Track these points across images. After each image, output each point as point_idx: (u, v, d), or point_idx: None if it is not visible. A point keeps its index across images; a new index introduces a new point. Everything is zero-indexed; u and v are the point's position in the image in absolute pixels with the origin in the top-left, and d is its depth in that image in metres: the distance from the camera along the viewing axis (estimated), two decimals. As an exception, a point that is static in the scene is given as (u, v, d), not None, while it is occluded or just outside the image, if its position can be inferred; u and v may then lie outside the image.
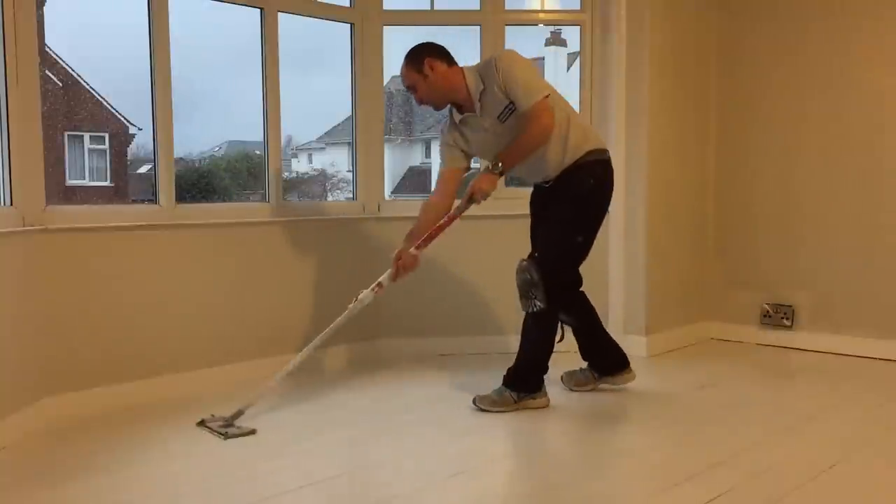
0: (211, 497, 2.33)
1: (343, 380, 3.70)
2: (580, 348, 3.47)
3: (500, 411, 3.10)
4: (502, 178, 3.09)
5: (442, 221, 3.06)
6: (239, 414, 2.96)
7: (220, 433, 2.83)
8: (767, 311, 4.39)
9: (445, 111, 3.20)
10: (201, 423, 2.94)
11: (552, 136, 3.01)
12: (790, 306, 4.33)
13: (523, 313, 3.10)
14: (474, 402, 3.15)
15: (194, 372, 3.47)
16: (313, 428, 2.97)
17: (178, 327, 3.43)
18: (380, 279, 3.06)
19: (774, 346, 4.35)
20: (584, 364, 3.49)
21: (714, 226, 4.59)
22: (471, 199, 3.02)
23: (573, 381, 3.47)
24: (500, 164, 2.99)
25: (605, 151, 3.16)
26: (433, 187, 3.37)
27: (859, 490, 2.36)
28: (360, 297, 3.03)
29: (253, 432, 2.85)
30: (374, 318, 4.11)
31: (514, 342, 3.24)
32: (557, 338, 3.23)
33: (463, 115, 3.11)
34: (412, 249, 3.03)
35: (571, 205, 3.10)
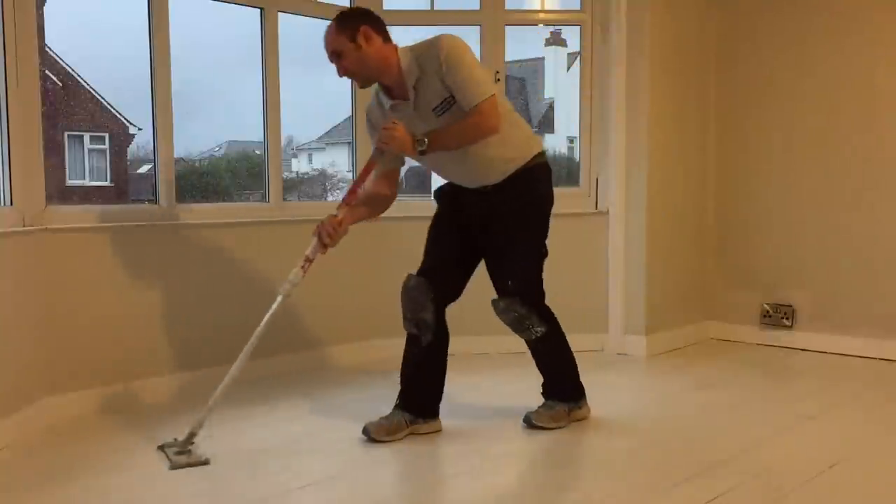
0: (211, 497, 2.33)
1: (342, 380, 3.70)
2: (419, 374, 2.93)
3: (558, 427, 2.92)
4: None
5: (358, 175, 2.82)
6: (192, 436, 2.66)
7: (171, 461, 2.56)
8: (767, 311, 4.39)
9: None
10: (160, 448, 2.68)
11: (497, 138, 2.71)
12: (790, 306, 4.32)
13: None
14: (529, 422, 2.92)
15: (194, 372, 3.47)
16: (313, 428, 2.97)
17: (178, 327, 3.43)
18: (306, 252, 2.76)
19: (774, 346, 4.35)
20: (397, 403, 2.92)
21: (714, 226, 4.59)
22: (379, 149, 2.71)
23: (382, 430, 2.82)
24: (425, 142, 2.63)
25: (545, 154, 2.89)
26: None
27: (859, 490, 2.36)
28: (289, 278, 2.73)
29: (206, 462, 2.55)
30: (373, 318, 4.11)
31: (514, 341, 3.22)
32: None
33: (393, 100, 2.74)
34: (334, 211, 2.76)
35: (529, 213, 2.83)
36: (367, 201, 2.87)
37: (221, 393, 2.71)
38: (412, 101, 2.69)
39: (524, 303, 2.78)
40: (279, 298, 2.74)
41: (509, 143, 2.76)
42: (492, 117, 2.64)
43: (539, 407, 2.98)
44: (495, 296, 2.86)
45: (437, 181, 3.08)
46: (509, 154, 2.76)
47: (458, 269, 2.91)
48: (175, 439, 2.71)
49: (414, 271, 2.87)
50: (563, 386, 3.01)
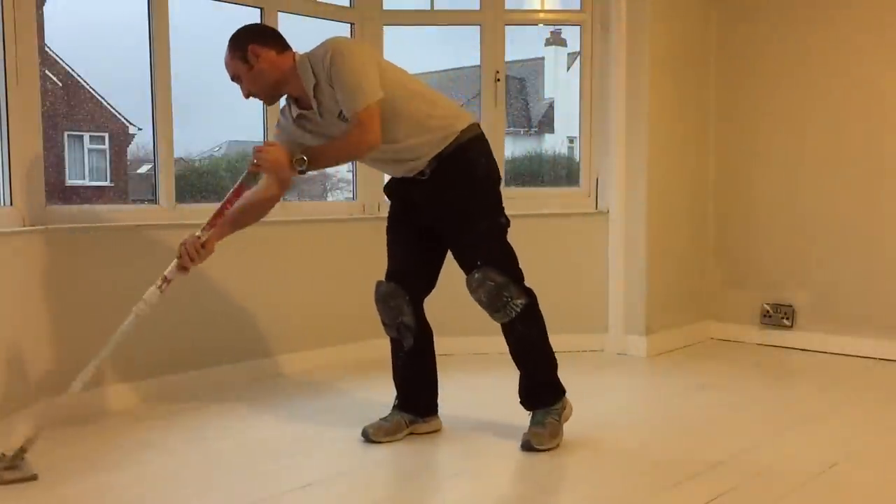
0: (211, 497, 2.33)
1: (342, 380, 3.70)
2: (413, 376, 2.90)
3: (559, 443, 2.72)
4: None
5: (227, 197, 2.66)
6: (22, 452, 2.47)
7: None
8: (767, 311, 4.39)
9: None
10: None
11: (414, 123, 2.61)
12: (790, 306, 4.32)
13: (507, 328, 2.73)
14: (530, 447, 2.68)
15: (193, 372, 3.47)
16: (313, 428, 2.97)
17: (176, 327, 3.43)
18: (164, 273, 2.65)
19: (774, 346, 4.35)
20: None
21: (714, 226, 4.59)
22: (252, 172, 2.60)
23: (381, 431, 2.82)
24: (304, 161, 2.51)
25: (478, 125, 2.75)
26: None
27: (859, 490, 2.36)
28: (144, 297, 2.61)
29: (34, 478, 2.42)
30: (372, 318, 4.10)
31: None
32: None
33: (301, 110, 2.68)
34: (197, 233, 2.64)
35: (475, 192, 2.69)
36: (249, 209, 2.74)
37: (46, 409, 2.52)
38: (316, 109, 2.61)
39: (501, 273, 2.64)
40: (131, 318, 2.61)
41: (433, 124, 2.64)
42: (367, 131, 2.51)
43: (531, 427, 2.73)
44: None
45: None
46: (436, 135, 2.64)
47: (425, 263, 2.85)
48: (3, 454, 2.47)
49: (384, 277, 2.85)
50: (544, 382, 2.77)
